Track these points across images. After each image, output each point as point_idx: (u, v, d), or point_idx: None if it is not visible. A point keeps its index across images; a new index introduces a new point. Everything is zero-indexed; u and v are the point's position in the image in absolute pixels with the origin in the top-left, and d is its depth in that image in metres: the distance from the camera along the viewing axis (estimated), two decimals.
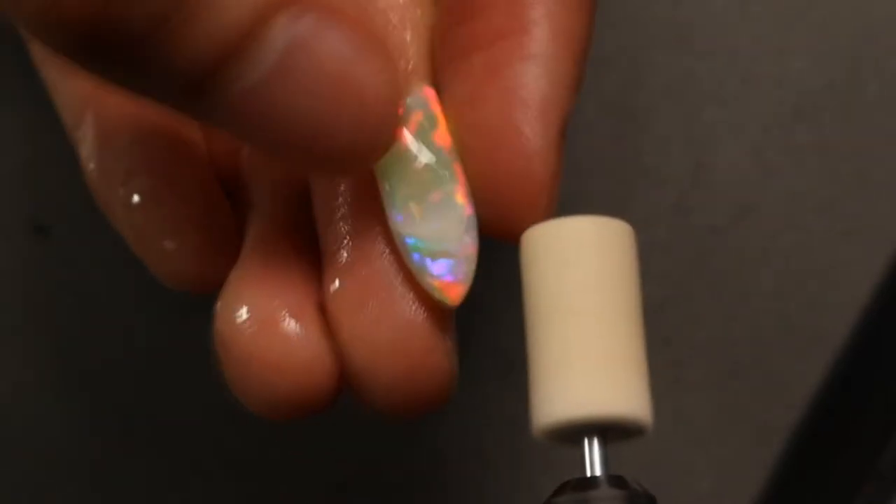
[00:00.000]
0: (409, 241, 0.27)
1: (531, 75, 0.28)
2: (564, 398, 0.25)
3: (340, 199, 0.29)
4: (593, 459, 0.25)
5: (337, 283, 0.28)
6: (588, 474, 0.25)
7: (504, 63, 0.28)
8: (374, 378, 0.28)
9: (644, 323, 0.26)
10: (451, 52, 0.28)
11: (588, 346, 0.25)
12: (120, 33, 0.24)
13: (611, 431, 0.25)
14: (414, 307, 0.28)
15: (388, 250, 0.28)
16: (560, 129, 0.28)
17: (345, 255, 0.28)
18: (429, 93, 0.28)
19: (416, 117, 0.28)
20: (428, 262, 0.27)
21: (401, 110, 0.28)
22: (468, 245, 0.28)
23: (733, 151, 0.41)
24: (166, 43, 0.24)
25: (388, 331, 0.28)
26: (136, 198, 0.30)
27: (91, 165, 0.31)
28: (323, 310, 0.29)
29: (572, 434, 0.25)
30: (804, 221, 0.41)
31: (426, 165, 0.28)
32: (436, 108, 0.28)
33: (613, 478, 0.25)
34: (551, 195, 0.28)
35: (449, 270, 0.27)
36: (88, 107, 0.31)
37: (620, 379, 0.25)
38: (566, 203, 0.41)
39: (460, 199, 0.28)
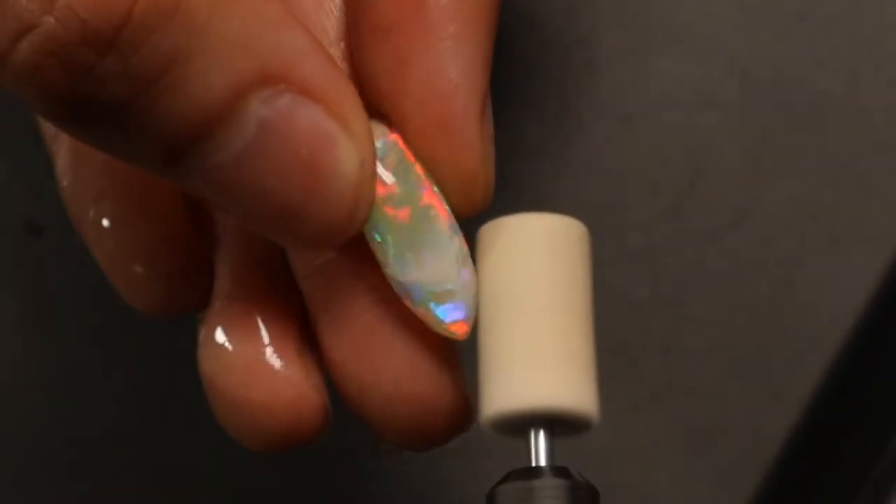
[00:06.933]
0: (414, 289, 0.27)
1: (439, 64, 0.27)
2: (510, 390, 0.25)
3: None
4: (538, 451, 0.25)
5: (336, 334, 0.28)
6: (533, 465, 0.25)
7: (411, 51, 0.27)
8: (389, 424, 0.28)
9: (594, 320, 0.26)
10: (357, 37, 0.28)
11: (536, 340, 0.26)
12: (95, 105, 0.24)
13: (557, 425, 0.26)
14: (418, 351, 0.28)
15: (380, 295, 0.28)
16: (479, 111, 0.27)
17: (337, 302, 0.28)
18: (395, 136, 0.28)
19: (391, 161, 0.27)
20: (434, 307, 0.27)
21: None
22: (466, 277, 0.27)
23: (730, 156, 0.41)
24: (140, 116, 0.24)
25: (398, 380, 0.28)
26: (105, 221, 0.30)
27: (64, 182, 0.31)
28: (312, 345, 0.29)
29: (518, 426, 0.26)
30: (801, 227, 0.40)
31: (411, 210, 0.27)
32: (407, 152, 0.28)
33: (557, 468, 0.25)
34: (486, 180, 0.28)
35: (457, 309, 0.27)
36: None
37: (566, 373, 0.25)
38: (563, 206, 0.41)
39: (449, 233, 0.27)
